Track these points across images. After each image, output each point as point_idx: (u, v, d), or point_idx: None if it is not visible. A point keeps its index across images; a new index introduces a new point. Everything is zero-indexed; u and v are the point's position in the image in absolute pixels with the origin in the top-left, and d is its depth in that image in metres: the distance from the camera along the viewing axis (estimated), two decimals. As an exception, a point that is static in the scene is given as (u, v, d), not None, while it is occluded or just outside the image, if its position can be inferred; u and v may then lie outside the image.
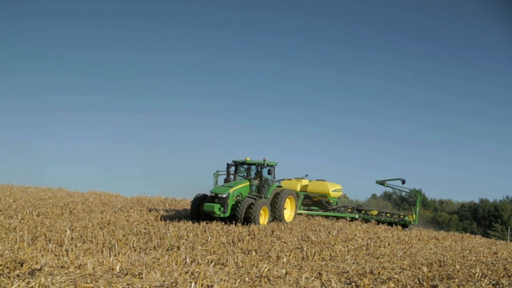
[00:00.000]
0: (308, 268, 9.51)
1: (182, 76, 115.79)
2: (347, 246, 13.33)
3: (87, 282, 6.61)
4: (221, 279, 7.47)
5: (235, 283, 7.42)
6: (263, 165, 17.98)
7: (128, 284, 6.67)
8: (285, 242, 13.17)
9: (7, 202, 19.03)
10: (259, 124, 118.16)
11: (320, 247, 12.74)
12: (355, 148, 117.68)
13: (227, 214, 16.48)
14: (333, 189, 22.27)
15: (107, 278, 7.02)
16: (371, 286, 8.07)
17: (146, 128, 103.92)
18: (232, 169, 18.34)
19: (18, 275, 6.81)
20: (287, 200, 18.33)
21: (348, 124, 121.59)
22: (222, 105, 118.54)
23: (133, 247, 11.43)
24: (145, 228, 14.04)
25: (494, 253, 14.31)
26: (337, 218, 20.86)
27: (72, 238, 12.00)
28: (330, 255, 11.86)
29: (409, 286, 8.06)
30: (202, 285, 6.90)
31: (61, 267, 7.86)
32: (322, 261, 11.06)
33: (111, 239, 12.14)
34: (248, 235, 14.02)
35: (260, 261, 10.36)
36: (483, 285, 8.24)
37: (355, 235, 15.85)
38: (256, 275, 8.19)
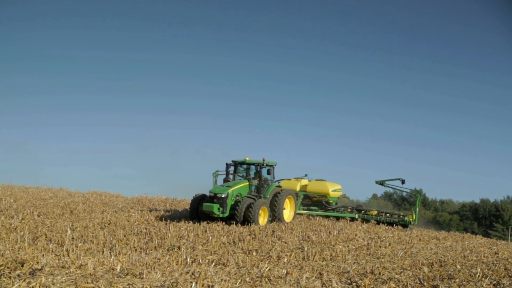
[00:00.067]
0: (308, 268, 9.51)
1: (181, 76, 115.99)
2: (348, 246, 13.32)
3: (87, 282, 6.61)
4: (222, 279, 7.47)
5: (236, 283, 7.42)
6: (263, 165, 17.92)
7: (129, 284, 6.68)
8: (285, 242, 13.17)
9: (8, 202, 19.05)
10: (258, 124, 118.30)
11: (320, 247, 12.74)
12: (355, 148, 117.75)
13: (226, 214, 16.42)
14: (333, 189, 22.24)
15: (108, 278, 7.02)
16: (372, 286, 8.07)
17: (145, 128, 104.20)
18: (231, 169, 18.29)
19: (19, 275, 6.81)
20: (287, 200, 18.27)
21: (348, 124, 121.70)
22: (222, 105, 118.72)
23: (134, 247, 11.43)
24: (145, 228, 14.05)
25: (495, 253, 14.29)
26: (337, 218, 20.84)
27: (72, 238, 12.00)
28: (331, 255, 11.85)
29: (410, 286, 8.06)
30: (203, 285, 6.90)
31: (62, 267, 7.86)
32: (322, 261, 11.06)
33: (111, 239, 12.14)
34: (249, 235, 14.02)
35: (261, 261, 10.36)
36: (484, 285, 8.23)
37: (355, 235, 15.85)
38: (257, 275, 8.19)
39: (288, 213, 18.45)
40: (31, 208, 17.60)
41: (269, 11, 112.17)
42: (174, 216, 17.91)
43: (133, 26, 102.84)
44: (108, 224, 14.77)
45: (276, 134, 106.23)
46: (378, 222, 20.40)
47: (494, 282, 8.48)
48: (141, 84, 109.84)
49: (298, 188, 22.34)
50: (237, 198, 16.97)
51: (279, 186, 18.77)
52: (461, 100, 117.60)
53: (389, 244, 14.60)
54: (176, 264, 9.47)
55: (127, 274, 7.68)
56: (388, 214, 21.31)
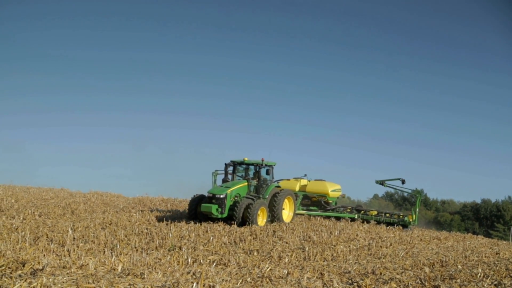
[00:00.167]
0: (310, 268, 9.50)
1: (180, 76, 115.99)
2: (349, 246, 13.31)
3: (89, 283, 6.62)
4: (223, 279, 7.47)
5: (237, 283, 7.42)
6: (261, 165, 17.86)
7: (130, 285, 6.68)
8: (286, 242, 13.17)
9: (9, 202, 19.07)
10: (258, 124, 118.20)
11: (322, 247, 12.74)
12: (355, 148, 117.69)
13: (225, 215, 16.32)
14: (332, 189, 22.17)
15: (109, 278, 7.03)
16: (373, 286, 8.07)
17: (143, 128, 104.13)
18: (230, 169, 18.23)
19: (20, 275, 6.82)
20: (286, 200, 18.20)
21: (348, 124, 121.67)
22: (221, 105, 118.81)
23: (135, 247, 11.44)
24: (147, 228, 14.05)
25: (496, 254, 14.28)
26: (338, 218, 20.81)
27: (74, 238, 12.01)
28: (332, 255, 11.85)
29: (411, 287, 8.05)
30: (204, 285, 6.90)
31: (63, 267, 7.87)
32: (324, 261, 11.06)
33: (113, 239, 12.15)
34: (250, 235, 14.02)
35: (262, 261, 10.36)
36: (485, 285, 8.22)
37: (357, 235, 15.84)
38: (258, 275, 8.19)
39: (287, 213, 18.37)
40: (32, 208, 17.62)
41: (269, 11, 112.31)
42: (175, 216, 17.90)
43: (131, 26, 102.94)
44: (109, 224, 14.78)
45: (276, 134, 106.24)
46: (378, 222, 20.37)
47: (496, 282, 8.47)
48: (140, 84, 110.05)
49: (297, 188, 22.27)
50: (236, 198, 16.88)
51: (278, 187, 18.70)
52: (461, 100, 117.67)
53: (390, 244, 14.59)
54: (177, 264, 9.47)
55: (128, 274, 7.69)
56: (388, 214, 21.25)
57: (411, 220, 20.40)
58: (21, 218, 15.07)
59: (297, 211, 20.05)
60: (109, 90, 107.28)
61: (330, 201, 22.06)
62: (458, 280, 8.62)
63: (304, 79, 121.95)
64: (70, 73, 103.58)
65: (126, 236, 12.72)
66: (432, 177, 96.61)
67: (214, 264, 9.67)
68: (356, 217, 20.83)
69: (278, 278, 8.08)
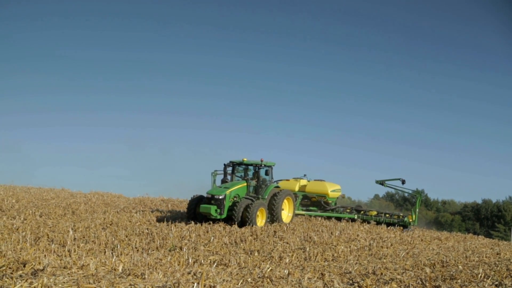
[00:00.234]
0: (310, 268, 9.50)
1: (180, 76, 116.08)
2: (350, 246, 13.31)
3: (89, 283, 6.62)
4: (223, 280, 7.47)
5: (237, 284, 7.42)
6: (261, 165, 17.80)
7: (130, 285, 6.68)
8: (287, 243, 13.17)
9: (9, 202, 19.08)
10: (258, 124, 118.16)
11: (322, 248, 12.73)
12: (355, 148, 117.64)
13: (224, 216, 16.23)
14: (332, 189, 22.11)
15: (110, 278, 7.03)
16: (374, 286, 8.07)
17: (142, 128, 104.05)
18: (230, 169, 18.19)
19: (21, 276, 6.82)
20: (285, 200, 18.12)
21: (348, 124, 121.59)
22: (220, 105, 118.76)
23: (136, 248, 11.44)
24: (147, 229, 14.06)
25: (497, 254, 14.27)
26: (338, 218, 20.79)
27: (74, 239, 12.02)
28: (333, 255, 11.85)
29: (411, 287, 8.05)
30: (204, 286, 6.90)
31: (64, 268, 7.87)
32: (324, 261, 11.06)
33: (113, 239, 12.15)
34: (251, 235, 14.02)
35: (263, 261, 10.36)
36: (486, 285, 8.22)
37: (357, 235, 15.83)
38: (259, 276, 8.19)
39: (286, 214, 18.29)
40: (33, 208, 17.62)
41: (269, 11, 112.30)
42: (175, 216, 17.90)
43: (131, 26, 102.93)
44: (110, 225, 14.78)
45: (275, 134, 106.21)
46: (378, 223, 20.35)
47: (496, 283, 8.47)
48: (139, 84, 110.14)
49: (297, 188, 22.21)
50: (235, 199, 16.80)
51: (278, 187, 18.65)
52: (462, 100, 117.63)
53: (391, 245, 14.58)
54: (178, 265, 9.47)
55: (129, 274, 7.69)
56: (387, 215, 21.19)
57: (411, 220, 20.35)
58: (22, 219, 15.08)
59: (297, 211, 20.01)
60: (108, 90, 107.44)
61: (330, 201, 22.01)
62: (459, 281, 8.62)
63: (304, 79, 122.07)
64: (70, 73, 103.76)
65: (126, 237, 12.72)
66: (433, 177, 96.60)
67: (215, 264, 9.67)
68: (355, 217, 20.80)
69: (278, 279, 8.08)
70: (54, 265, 7.98)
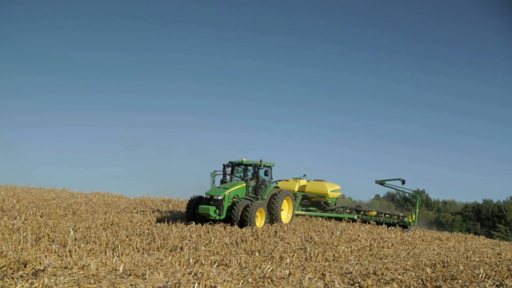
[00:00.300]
0: (311, 268, 9.50)
1: (180, 76, 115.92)
2: (351, 246, 13.31)
3: (90, 283, 6.63)
4: (224, 280, 7.47)
5: (238, 284, 7.42)
6: (260, 166, 17.75)
7: (131, 285, 6.69)
8: (288, 243, 13.16)
9: (10, 202, 19.10)
10: (257, 124, 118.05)
11: (323, 248, 12.73)
12: (355, 148, 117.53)
13: (223, 217, 16.17)
14: (332, 190, 22.05)
15: (111, 278, 7.04)
16: (375, 287, 8.06)
17: (142, 129, 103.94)
18: (229, 169, 18.15)
19: (21, 276, 6.83)
20: (284, 201, 18.06)
21: (348, 124, 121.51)
22: (220, 105, 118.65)
23: (137, 248, 11.45)
24: (148, 229, 14.06)
25: (498, 254, 14.27)
26: (338, 219, 20.77)
27: (75, 239, 12.03)
28: (334, 255, 11.84)
29: (412, 287, 8.05)
30: (205, 286, 6.90)
31: (65, 268, 7.87)
32: (325, 261, 11.05)
33: (114, 239, 12.16)
34: (251, 235, 14.02)
35: (264, 261, 10.36)
36: (487, 286, 8.21)
37: (358, 235, 15.83)
38: (260, 276, 8.19)
39: (286, 214, 18.23)
40: (33, 208, 17.64)
41: (269, 11, 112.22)
42: (176, 217, 17.91)
43: (130, 26, 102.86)
44: (111, 225, 14.79)
45: (275, 134, 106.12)
46: (377, 223, 20.34)
47: (497, 283, 8.46)
48: (138, 84, 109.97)
49: (296, 189, 22.14)
50: (234, 199, 16.73)
51: (277, 187, 18.60)
52: (462, 100, 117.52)
53: (392, 245, 14.58)
54: (179, 265, 9.47)
55: (130, 274, 7.69)
56: (387, 215, 21.15)
57: (411, 220, 20.32)
58: (23, 219, 15.09)
59: (296, 212, 19.96)
60: (107, 90, 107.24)
61: (330, 202, 21.97)
62: (460, 281, 8.61)
63: (304, 79, 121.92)
64: (69, 73, 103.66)
65: (127, 237, 12.72)
66: (434, 177, 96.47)
67: (216, 264, 9.68)
68: (355, 217, 20.77)
69: (279, 279, 8.08)
70: (55, 266, 7.99)
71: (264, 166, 17.75)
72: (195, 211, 16.70)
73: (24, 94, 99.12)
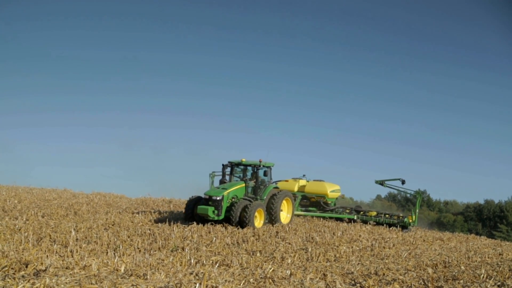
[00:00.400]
0: (312, 269, 9.50)
1: (179, 76, 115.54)
2: (352, 247, 13.30)
3: (92, 283, 6.63)
4: (225, 280, 7.48)
5: (239, 284, 7.43)
6: (259, 166, 17.69)
7: (132, 285, 6.69)
8: (289, 243, 13.16)
9: (12, 203, 19.12)
10: (257, 124, 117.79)
11: (324, 248, 12.73)
12: (355, 148, 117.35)
13: (222, 217, 16.12)
14: (331, 190, 21.99)
15: (112, 279, 7.04)
16: (376, 287, 8.06)
17: (141, 129, 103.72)
18: (228, 170, 18.12)
19: (23, 276, 6.84)
20: (284, 201, 17.98)
21: (348, 124, 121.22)
22: (220, 105, 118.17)
23: (138, 248, 11.46)
24: (149, 229, 14.07)
25: (499, 254, 14.25)
26: (337, 219, 20.75)
27: (77, 239, 12.04)
28: (335, 256, 11.84)
29: (413, 287, 8.04)
30: (206, 286, 6.90)
31: (66, 268, 7.89)
32: (326, 262, 11.05)
33: (115, 240, 12.17)
34: (253, 236, 14.02)
35: (265, 262, 10.36)
36: (488, 286, 8.21)
37: (359, 236, 15.82)
38: (261, 276, 8.19)
39: (285, 215, 18.16)
40: (35, 209, 17.66)
41: (269, 11, 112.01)
42: (177, 217, 17.92)
43: (127, 26, 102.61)
44: (112, 225, 14.81)
45: (275, 134, 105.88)
46: (377, 223, 20.31)
47: (499, 283, 8.46)
48: (138, 84, 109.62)
49: (296, 189, 22.07)
50: (233, 200, 16.67)
51: (277, 188, 18.53)
52: (462, 100, 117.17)
53: (393, 245, 14.57)
54: (180, 265, 9.48)
55: (131, 275, 7.70)
56: (387, 215, 21.11)
57: (410, 221, 20.29)
58: (24, 219, 15.11)
59: (296, 212, 19.91)
60: (106, 90, 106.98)
61: (329, 202, 21.92)
62: (461, 281, 8.61)
63: (304, 79, 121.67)
64: (69, 73, 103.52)
65: (129, 237, 12.74)
66: (435, 177, 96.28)
67: (217, 265, 9.68)
68: (355, 218, 20.74)
69: (281, 279, 8.08)
70: (56, 266, 8.00)
71: (264, 166, 17.71)
72: (194, 212, 16.68)
73: (22, 94, 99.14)
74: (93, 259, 9.10)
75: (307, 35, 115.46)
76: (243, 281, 7.61)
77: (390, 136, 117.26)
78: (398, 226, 19.86)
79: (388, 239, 15.66)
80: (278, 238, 14.15)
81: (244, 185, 17.41)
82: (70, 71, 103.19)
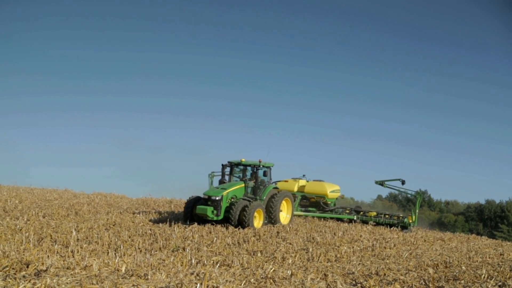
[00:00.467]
0: (313, 269, 9.50)
1: (179, 76, 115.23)
2: (353, 247, 13.30)
3: (92, 283, 6.64)
4: (226, 280, 7.48)
5: (240, 284, 7.42)
6: (259, 166, 17.64)
7: (133, 285, 6.70)
8: (290, 243, 13.16)
9: (13, 203, 19.14)
10: (257, 124, 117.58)
11: (325, 248, 12.73)
12: (355, 148, 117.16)
13: (221, 217, 16.06)
14: (331, 190, 21.93)
15: (113, 279, 7.05)
16: (377, 287, 8.06)
17: (141, 128, 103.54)
18: (227, 170, 18.06)
19: (24, 276, 6.85)
20: (283, 202, 17.94)
21: (348, 124, 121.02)
22: (220, 105, 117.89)
23: (139, 248, 11.46)
24: (150, 229, 14.08)
25: (500, 254, 14.24)
26: (336, 219, 20.73)
27: (77, 239, 12.04)
28: (336, 256, 11.84)
29: (414, 287, 8.04)
30: (207, 286, 6.91)
31: (67, 268, 7.89)
32: (327, 262, 11.05)
33: (116, 240, 12.17)
34: (254, 236, 14.03)
35: (266, 262, 10.36)
36: (489, 286, 8.20)
37: (360, 236, 15.82)
38: (262, 276, 8.19)
39: (285, 215, 18.13)
40: (36, 209, 17.67)
41: (269, 11, 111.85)
42: (178, 217, 17.92)
43: (127, 26, 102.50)
44: (113, 225, 14.81)
45: (275, 134, 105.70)
46: (377, 224, 20.28)
47: (500, 284, 8.45)
48: (138, 84, 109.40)
49: (295, 189, 22.00)
50: (232, 200, 16.62)
51: (276, 188, 18.46)
52: (463, 100, 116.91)
53: (394, 245, 14.57)
54: (181, 265, 9.48)
55: (132, 275, 7.71)
56: (387, 216, 21.08)
57: (410, 221, 20.27)
58: (25, 219, 15.12)
59: (295, 212, 19.88)
60: (105, 90, 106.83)
61: (329, 202, 21.88)
62: (462, 281, 8.60)
63: (304, 79, 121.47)
64: (69, 73, 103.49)
65: (129, 237, 12.74)
66: (436, 177, 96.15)
67: (218, 265, 9.68)
68: (355, 218, 20.72)
69: (281, 279, 8.08)
70: (57, 266, 8.01)
71: (263, 166, 17.67)
72: (193, 212, 16.66)
73: (21, 94, 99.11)
74: (94, 259, 9.10)
75: (307, 35, 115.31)
76: (244, 281, 7.61)
77: (390, 136, 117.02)
78: (398, 226, 19.86)
79: (389, 239, 15.65)
80: (279, 238, 14.15)
81: (243, 185, 17.36)
82: (70, 71, 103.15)
